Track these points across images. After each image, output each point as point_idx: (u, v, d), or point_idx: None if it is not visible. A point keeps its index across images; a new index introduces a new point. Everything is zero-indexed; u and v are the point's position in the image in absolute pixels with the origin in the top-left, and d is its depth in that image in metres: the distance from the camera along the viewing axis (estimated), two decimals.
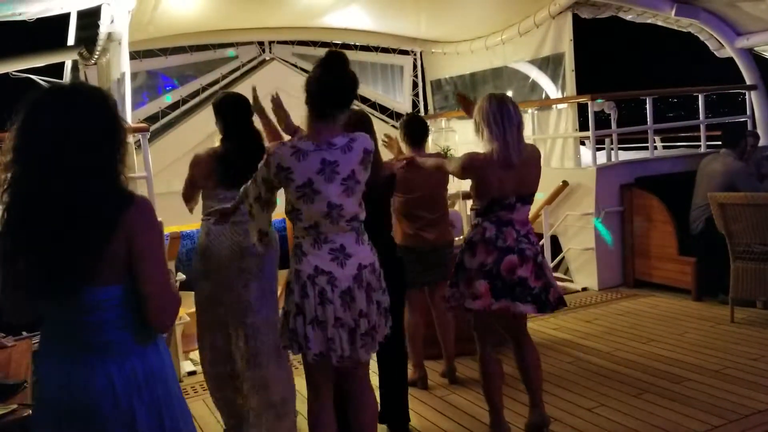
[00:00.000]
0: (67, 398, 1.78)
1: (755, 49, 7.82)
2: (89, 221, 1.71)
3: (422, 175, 4.05)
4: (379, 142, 3.27)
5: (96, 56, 6.18)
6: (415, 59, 10.26)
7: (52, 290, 1.76)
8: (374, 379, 3.78)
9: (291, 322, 2.61)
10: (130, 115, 5.36)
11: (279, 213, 4.29)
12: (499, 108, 3.22)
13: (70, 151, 1.71)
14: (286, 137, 2.93)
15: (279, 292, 3.39)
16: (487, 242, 3.24)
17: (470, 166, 3.32)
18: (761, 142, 6.93)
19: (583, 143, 7.93)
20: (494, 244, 3.23)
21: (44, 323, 1.88)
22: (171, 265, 4.60)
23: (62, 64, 7.51)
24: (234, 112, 3.43)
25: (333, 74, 2.60)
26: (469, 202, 5.31)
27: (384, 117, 9.86)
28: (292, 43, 9.30)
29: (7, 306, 1.83)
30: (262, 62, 9.10)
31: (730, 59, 7.88)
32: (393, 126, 9.64)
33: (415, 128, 4.30)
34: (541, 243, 6.65)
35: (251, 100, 3.29)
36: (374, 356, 3.35)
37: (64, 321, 1.81)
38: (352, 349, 2.61)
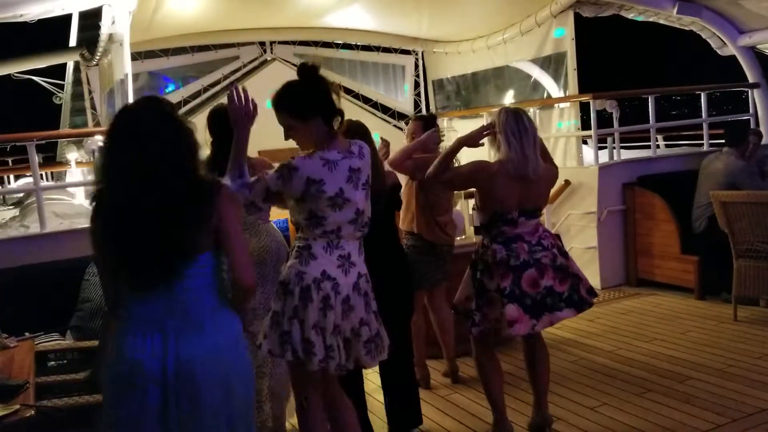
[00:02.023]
0: (171, 371, 1.99)
1: (758, 46, 7.78)
2: (193, 204, 2.06)
3: None
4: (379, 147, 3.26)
5: (97, 57, 6.20)
6: (416, 59, 10.23)
7: (162, 266, 2.02)
8: (377, 380, 3.79)
9: (285, 324, 2.55)
10: None
11: (282, 213, 4.26)
12: (516, 122, 3.22)
13: (173, 155, 2.05)
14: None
15: None
16: (499, 264, 3.20)
17: (478, 173, 3.30)
18: (764, 140, 6.92)
19: (585, 142, 7.92)
20: (507, 265, 3.19)
21: (131, 309, 2.07)
22: None
23: (64, 65, 7.53)
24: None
25: (323, 84, 2.61)
26: (471, 202, 5.32)
27: (386, 117, 9.85)
28: (294, 43, 9.29)
29: (106, 294, 2.16)
30: (264, 62, 9.09)
31: (733, 57, 7.85)
32: (396, 126, 9.65)
33: (425, 128, 4.21)
34: None
35: None
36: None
37: (163, 298, 2.04)
38: (348, 357, 2.61)
